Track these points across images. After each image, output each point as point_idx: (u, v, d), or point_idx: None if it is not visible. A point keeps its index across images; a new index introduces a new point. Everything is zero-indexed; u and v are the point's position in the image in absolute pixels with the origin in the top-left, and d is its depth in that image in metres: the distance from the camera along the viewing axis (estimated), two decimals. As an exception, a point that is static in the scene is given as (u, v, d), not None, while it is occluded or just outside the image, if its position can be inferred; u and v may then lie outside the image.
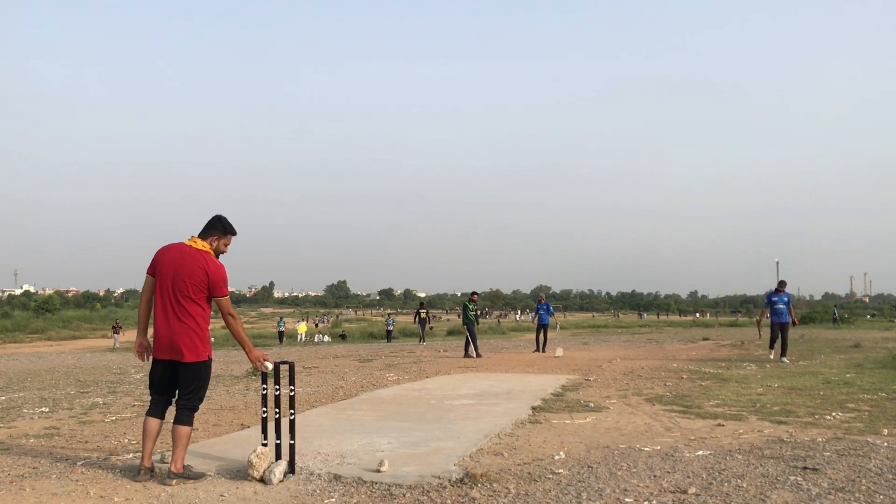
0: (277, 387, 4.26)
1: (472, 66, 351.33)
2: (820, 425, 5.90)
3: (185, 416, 4.15)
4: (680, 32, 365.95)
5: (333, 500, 3.75)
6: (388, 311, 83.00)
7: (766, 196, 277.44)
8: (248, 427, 6.06)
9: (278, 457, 4.21)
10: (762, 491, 3.79)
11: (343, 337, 38.23)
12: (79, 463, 4.64)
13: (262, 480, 4.05)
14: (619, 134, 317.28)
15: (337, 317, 74.68)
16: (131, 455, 4.90)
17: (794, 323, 13.21)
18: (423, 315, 27.22)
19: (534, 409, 6.88)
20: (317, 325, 56.50)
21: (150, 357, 4.32)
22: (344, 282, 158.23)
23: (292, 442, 4.24)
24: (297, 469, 4.22)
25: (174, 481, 3.99)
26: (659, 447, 5.00)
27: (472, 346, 14.87)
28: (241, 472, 4.19)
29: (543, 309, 17.07)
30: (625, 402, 7.47)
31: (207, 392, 5.19)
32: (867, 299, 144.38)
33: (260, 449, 4.15)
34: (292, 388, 4.34)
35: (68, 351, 27.57)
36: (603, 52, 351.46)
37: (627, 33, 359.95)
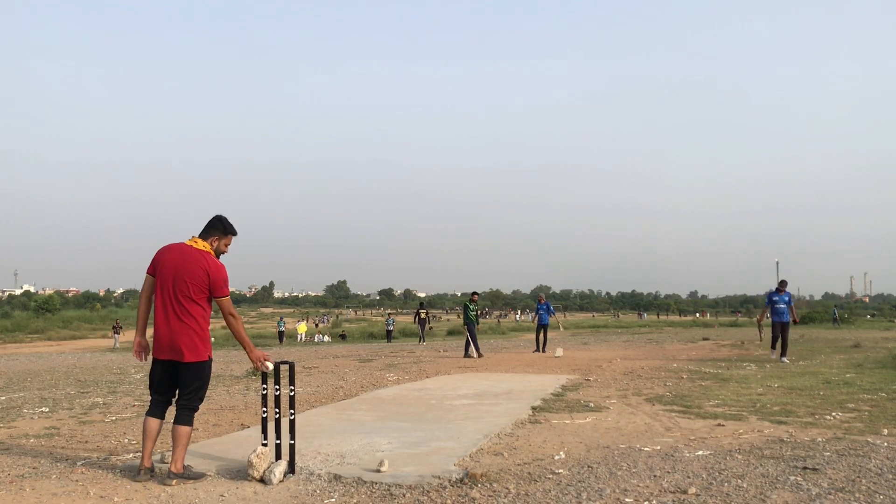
0: (277, 387, 4.26)
1: (472, 66, 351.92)
2: (820, 425, 5.90)
3: (186, 417, 4.15)
4: (680, 32, 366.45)
5: (333, 500, 3.75)
6: (388, 311, 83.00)
7: (766, 196, 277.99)
8: (248, 427, 6.06)
9: (278, 457, 4.21)
10: (762, 491, 3.79)
11: (343, 337, 38.23)
12: (79, 463, 4.64)
13: (262, 480, 4.05)
14: (619, 134, 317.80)
15: (337, 317, 74.69)
16: (131, 455, 4.90)
17: (794, 321, 13.21)
18: (423, 315, 27.24)
19: (534, 409, 6.88)
20: (317, 325, 56.50)
21: (148, 357, 4.32)
22: (344, 282, 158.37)
23: (292, 442, 4.24)
24: (297, 469, 4.22)
25: (174, 481, 3.99)
26: (659, 447, 5.00)
27: (472, 346, 14.87)
28: (241, 472, 4.19)
29: (543, 309, 17.08)
30: (625, 402, 7.47)
31: (207, 392, 5.20)
32: (867, 299, 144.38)
33: (260, 449, 4.15)
34: (292, 388, 4.34)
35: (68, 351, 27.57)
36: (603, 52, 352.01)
37: (627, 33, 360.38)
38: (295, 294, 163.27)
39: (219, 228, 4.35)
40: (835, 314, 45.11)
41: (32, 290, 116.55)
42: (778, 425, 5.92)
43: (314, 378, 10.69)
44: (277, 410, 4.22)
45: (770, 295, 13.26)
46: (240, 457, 4.51)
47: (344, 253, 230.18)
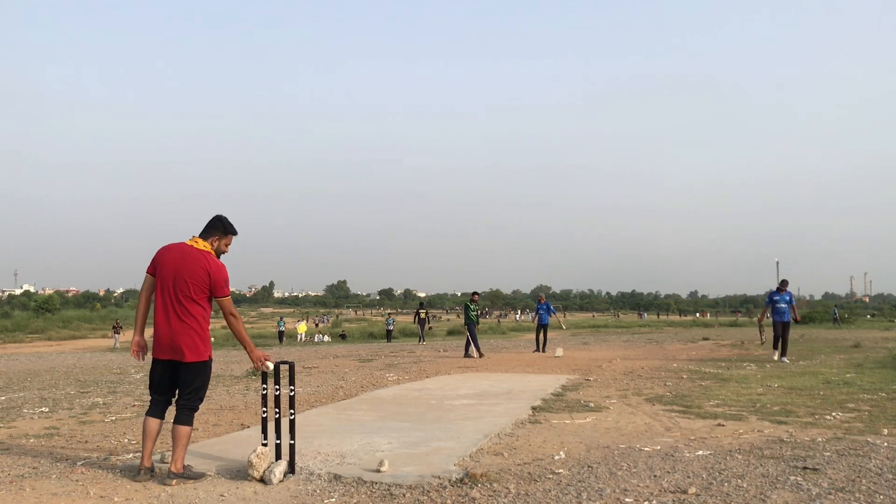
0: (277, 387, 4.26)
1: (471, 66, 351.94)
2: (820, 425, 5.90)
3: (186, 416, 4.15)
4: (680, 32, 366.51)
5: (333, 500, 3.75)
6: (389, 310, 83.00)
7: (766, 196, 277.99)
8: (248, 427, 6.06)
9: (278, 457, 4.21)
10: (762, 491, 3.79)
11: (343, 337, 38.23)
12: (79, 463, 4.64)
13: (262, 480, 4.05)
14: (619, 134, 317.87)
15: (337, 317, 74.70)
16: (131, 455, 4.90)
17: (796, 319, 13.21)
18: (423, 315, 27.24)
19: (534, 409, 6.88)
20: (317, 325, 56.50)
21: (146, 356, 4.32)
22: (344, 282, 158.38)
23: (292, 442, 4.24)
24: (297, 469, 4.22)
25: (174, 481, 3.99)
26: (659, 447, 5.00)
27: (472, 346, 14.87)
28: (241, 472, 4.19)
29: (543, 309, 17.08)
30: (625, 402, 7.46)
31: (207, 392, 5.20)
32: (867, 299, 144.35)
33: (260, 449, 4.15)
34: (292, 388, 4.34)
35: (68, 351, 27.57)
36: (603, 52, 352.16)
37: (627, 33, 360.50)
38: (295, 294, 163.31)
39: (219, 228, 4.35)
40: (835, 314, 45.11)
41: (32, 289, 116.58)
42: (778, 425, 5.92)
43: (314, 378, 10.68)
44: (277, 410, 4.22)
45: (771, 294, 13.26)
46: (240, 457, 4.51)
47: (344, 253, 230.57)
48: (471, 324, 15.27)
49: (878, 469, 4.25)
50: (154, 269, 4.24)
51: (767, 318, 13.23)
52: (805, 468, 4.28)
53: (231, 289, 4.38)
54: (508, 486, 3.96)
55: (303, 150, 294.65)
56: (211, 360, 4.28)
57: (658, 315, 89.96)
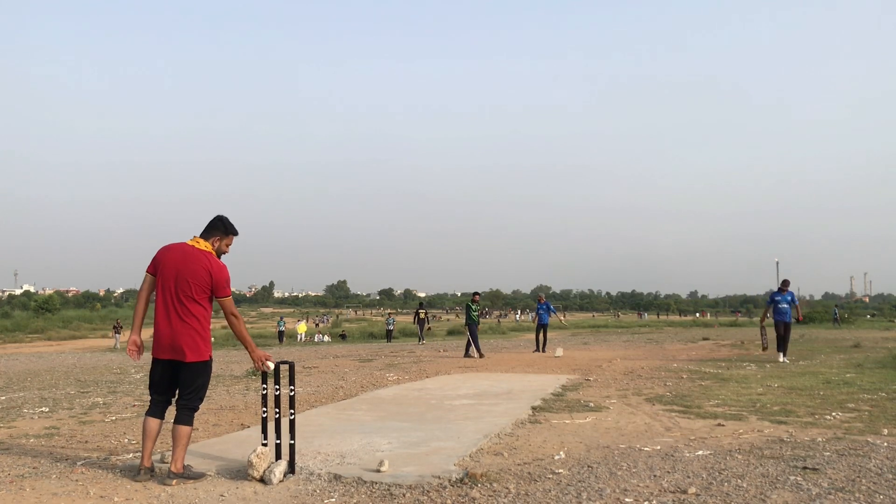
0: (277, 387, 4.26)
1: (472, 66, 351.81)
2: (820, 425, 5.90)
3: (186, 416, 4.15)
4: (680, 32, 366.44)
5: (333, 500, 3.75)
6: (389, 310, 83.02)
7: (766, 196, 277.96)
8: (248, 427, 6.06)
9: (278, 457, 4.21)
10: (762, 491, 3.79)
11: (343, 337, 38.23)
12: (79, 463, 4.64)
13: (262, 480, 4.05)
14: (619, 134, 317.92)
15: (337, 317, 74.69)
16: (131, 455, 4.90)
17: (799, 319, 13.22)
18: (422, 315, 27.24)
19: (534, 409, 6.88)
20: (317, 325, 56.49)
21: (142, 355, 4.32)
22: (344, 282, 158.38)
23: (292, 442, 4.24)
24: (297, 469, 4.22)
25: (174, 481, 3.99)
26: (659, 447, 5.00)
27: (473, 346, 14.87)
28: (241, 472, 4.19)
29: (543, 309, 17.08)
30: (625, 402, 7.47)
31: (207, 392, 5.20)
32: (867, 299, 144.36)
33: (260, 449, 4.15)
34: (292, 388, 4.34)
35: (68, 351, 27.57)
36: (603, 52, 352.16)
37: (627, 33, 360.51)
38: (295, 294, 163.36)
39: (220, 228, 4.35)
40: (835, 314, 45.11)
41: (32, 289, 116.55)
42: (778, 425, 5.92)
43: (314, 378, 10.68)
44: (277, 410, 4.22)
45: (772, 294, 13.27)
46: (240, 457, 4.51)
47: (344, 253, 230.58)
48: (472, 324, 15.27)
49: (878, 469, 4.25)
50: (154, 268, 4.24)
51: (769, 318, 13.25)
52: (805, 468, 4.28)
53: (231, 289, 4.38)
54: (508, 486, 3.96)
55: (303, 150, 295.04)
56: (211, 360, 4.28)
57: (658, 315, 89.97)
